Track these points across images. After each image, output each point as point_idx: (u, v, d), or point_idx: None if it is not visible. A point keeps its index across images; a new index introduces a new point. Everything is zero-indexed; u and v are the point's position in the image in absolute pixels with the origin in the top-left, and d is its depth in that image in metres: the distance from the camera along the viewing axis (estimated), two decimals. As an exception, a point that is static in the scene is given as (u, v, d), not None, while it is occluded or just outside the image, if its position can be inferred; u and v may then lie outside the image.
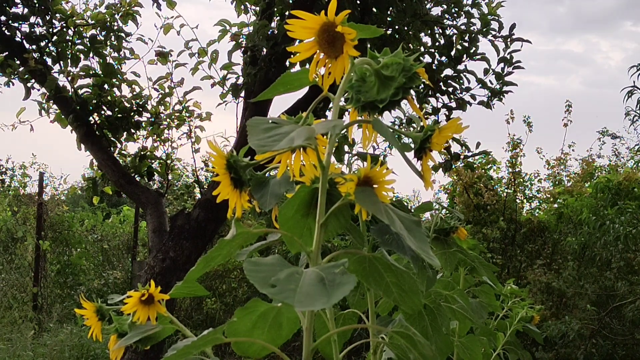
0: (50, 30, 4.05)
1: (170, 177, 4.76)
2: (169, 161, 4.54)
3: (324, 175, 0.75)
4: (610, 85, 28.19)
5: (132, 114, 4.30)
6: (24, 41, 4.01)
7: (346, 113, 0.83)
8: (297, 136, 0.69)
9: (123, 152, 4.48)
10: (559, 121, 8.00)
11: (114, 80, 4.24)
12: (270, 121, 0.74)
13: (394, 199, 0.80)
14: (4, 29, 3.95)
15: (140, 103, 4.35)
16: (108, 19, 4.19)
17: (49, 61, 4.08)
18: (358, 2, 3.78)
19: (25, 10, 3.99)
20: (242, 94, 3.96)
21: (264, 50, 3.67)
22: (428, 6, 4.10)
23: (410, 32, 4.02)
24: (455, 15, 4.25)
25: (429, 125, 0.78)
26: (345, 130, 0.75)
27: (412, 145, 0.79)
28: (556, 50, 25.84)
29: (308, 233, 0.81)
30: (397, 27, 3.97)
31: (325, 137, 0.82)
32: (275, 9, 3.87)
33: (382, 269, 0.82)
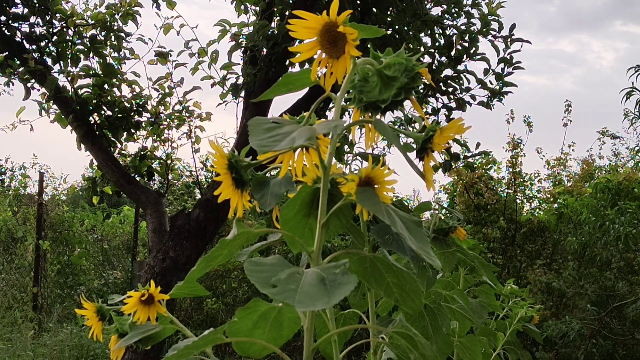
0: (50, 30, 4.05)
1: (170, 177, 4.76)
2: (169, 161, 4.54)
3: (326, 175, 0.75)
4: (603, 85, 28.33)
5: (132, 114, 4.30)
6: (24, 41, 4.01)
7: (346, 113, 0.83)
8: (299, 136, 0.69)
9: (123, 152, 4.48)
10: (556, 121, 8.04)
11: (114, 80, 4.24)
12: (271, 121, 0.74)
13: (394, 199, 0.80)
14: (4, 29, 3.95)
15: (140, 103, 4.35)
16: (108, 19, 4.18)
17: (49, 61, 4.08)
18: (358, 2, 3.78)
19: (25, 10, 3.99)
20: (242, 94, 3.96)
21: (264, 50, 3.67)
22: (428, 6, 4.10)
23: (410, 32, 4.02)
24: (455, 15, 4.25)
25: (430, 125, 0.78)
26: (345, 130, 0.75)
27: (414, 146, 0.79)
28: (548, 50, 25.97)
29: (309, 233, 0.81)
30: (397, 27, 3.97)
31: (326, 137, 0.82)
32: (275, 9, 3.87)
33: (384, 269, 0.82)
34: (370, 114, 0.76)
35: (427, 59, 4.24)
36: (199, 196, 5.32)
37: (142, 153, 4.44)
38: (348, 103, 0.78)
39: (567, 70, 30.78)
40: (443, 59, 4.28)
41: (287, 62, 3.70)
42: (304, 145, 0.73)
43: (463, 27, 4.22)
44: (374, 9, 3.83)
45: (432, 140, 0.77)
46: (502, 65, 4.22)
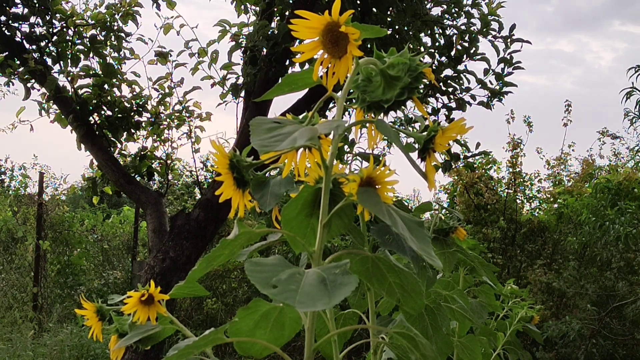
0: (50, 30, 4.05)
1: (170, 177, 4.76)
2: (169, 161, 4.54)
3: (328, 175, 0.75)
4: (603, 85, 28.41)
5: (132, 114, 4.30)
6: (24, 41, 4.01)
7: (346, 113, 0.83)
8: (300, 136, 0.69)
9: (123, 152, 4.48)
10: (556, 121, 8.07)
11: (114, 80, 4.24)
12: (273, 121, 0.74)
13: (394, 199, 0.80)
14: (4, 29, 3.95)
15: (140, 103, 4.35)
16: (108, 19, 4.18)
17: (49, 61, 4.08)
18: (358, 2, 3.78)
19: (25, 10, 3.99)
20: (242, 94, 3.96)
21: (264, 50, 3.67)
22: (428, 6, 4.10)
23: (410, 32, 4.01)
24: (455, 15, 4.25)
25: (432, 125, 0.78)
26: (345, 130, 0.75)
27: (416, 146, 0.79)
28: (547, 50, 26.06)
29: (311, 233, 0.81)
30: (397, 27, 3.97)
31: (327, 137, 0.82)
32: (275, 9, 3.87)
33: (385, 269, 0.82)
34: (372, 114, 0.76)
35: (427, 59, 4.23)
36: (199, 196, 5.32)
37: (142, 153, 4.44)
38: (349, 103, 0.78)
39: (566, 70, 30.90)
40: (443, 59, 4.28)
41: (287, 62, 3.70)
42: (306, 145, 0.73)
43: (463, 27, 4.22)
44: (374, 9, 3.83)
45: (434, 140, 0.77)
46: (502, 65, 4.22)
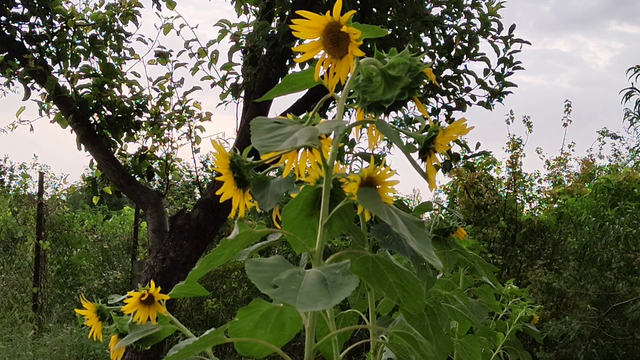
0: (50, 30, 4.05)
1: (170, 177, 4.76)
2: (169, 161, 4.54)
3: (328, 175, 0.75)
4: (601, 85, 28.42)
5: (132, 114, 4.30)
6: (24, 41, 4.01)
7: (346, 113, 0.83)
8: (300, 137, 0.69)
9: (123, 152, 4.48)
10: (554, 121, 8.09)
11: (114, 80, 4.24)
12: (273, 121, 0.74)
13: (394, 199, 0.80)
14: (4, 29, 3.95)
15: (140, 103, 4.35)
16: (108, 19, 4.18)
17: (49, 61, 4.08)
18: (358, 2, 3.78)
19: (25, 10, 3.99)
20: (242, 94, 3.96)
21: (264, 50, 3.67)
22: (428, 6, 4.10)
23: (410, 33, 4.01)
24: (455, 15, 4.25)
25: (433, 126, 0.78)
26: (346, 130, 0.75)
27: (416, 146, 0.79)
28: (543, 49, 26.08)
29: (311, 233, 0.81)
30: (397, 27, 3.97)
31: (328, 137, 0.82)
32: (275, 9, 3.87)
33: (385, 269, 0.82)
34: (373, 114, 0.76)
35: (427, 59, 4.23)
36: (199, 196, 5.32)
37: (142, 153, 4.44)
38: (350, 103, 0.78)
39: (563, 70, 30.92)
40: (443, 59, 4.28)
41: (287, 63, 3.70)
42: (306, 145, 0.73)
43: (463, 27, 4.22)
44: (374, 9, 3.83)
45: (434, 140, 0.77)
46: (502, 65, 4.23)
